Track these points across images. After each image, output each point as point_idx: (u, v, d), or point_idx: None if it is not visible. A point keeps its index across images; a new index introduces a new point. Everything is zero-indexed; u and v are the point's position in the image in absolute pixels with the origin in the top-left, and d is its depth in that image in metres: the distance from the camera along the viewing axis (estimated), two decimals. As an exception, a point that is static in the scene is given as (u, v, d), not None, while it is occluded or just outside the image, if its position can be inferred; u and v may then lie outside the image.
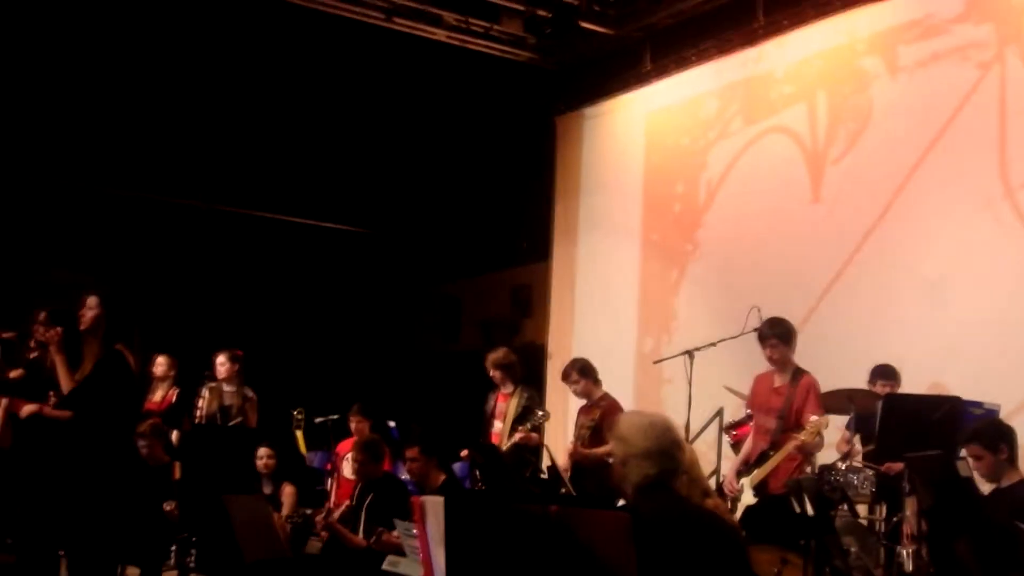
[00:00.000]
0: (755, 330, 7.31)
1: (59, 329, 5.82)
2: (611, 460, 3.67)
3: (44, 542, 6.14)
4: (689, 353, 7.47)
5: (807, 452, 6.29)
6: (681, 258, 9.47)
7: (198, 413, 8.86)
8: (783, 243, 8.53)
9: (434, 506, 4.55)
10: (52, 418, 5.91)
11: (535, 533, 2.97)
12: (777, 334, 6.45)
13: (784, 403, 6.39)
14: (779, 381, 6.53)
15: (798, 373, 6.48)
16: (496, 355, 8.32)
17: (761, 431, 6.53)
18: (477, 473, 7.93)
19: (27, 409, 6.14)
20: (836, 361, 7.35)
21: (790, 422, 6.35)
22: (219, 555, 6.83)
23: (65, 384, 5.75)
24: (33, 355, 6.46)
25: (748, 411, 7.39)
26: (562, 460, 7.75)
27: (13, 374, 6.36)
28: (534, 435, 8.05)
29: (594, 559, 2.99)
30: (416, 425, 8.07)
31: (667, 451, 3.53)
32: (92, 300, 5.85)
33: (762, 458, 6.35)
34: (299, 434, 9.87)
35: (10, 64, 11.06)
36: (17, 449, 6.26)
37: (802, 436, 6.10)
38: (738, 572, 3.57)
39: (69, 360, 5.79)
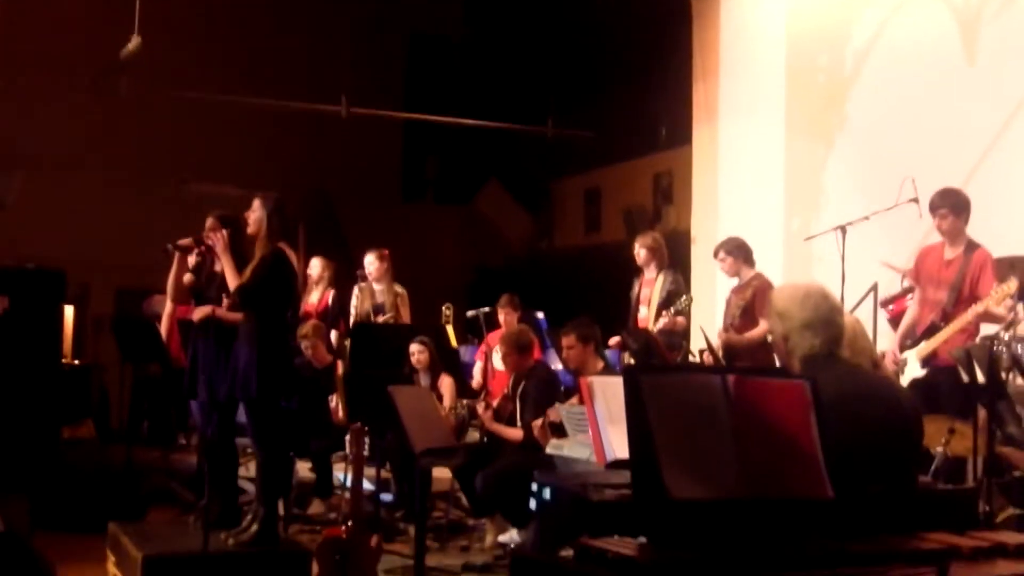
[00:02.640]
0: (911, 200, 7.17)
1: (225, 232, 6.00)
2: (770, 338, 3.64)
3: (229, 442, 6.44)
4: (842, 228, 7.34)
5: (994, 322, 6.12)
6: (828, 132, 9.24)
7: (353, 312, 9.13)
8: (937, 110, 8.24)
9: (602, 386, 4.63)
10: (225, 320, 6.10)
11: (716, 403, 2.98)
12: (949, 204, 6.28)
13: (957, 276, 6.24)
14: (951, 253, 6.36)
15: (972, 245, 6.32)
16: (644, 238, 8.38)
17: (930, 304, 6.40)
18: (628, 358, 7.99)
19: (200, 312, 6.37)
20: (996, 228, 7.10)
21: (963, 295, 6.21)
22: (389, 445, 7.09)
23: (232, 284, 5.92)
24: (198, 260, 6.67)
25: (905, 284, 7.27)
26: (715, 343, 7.76)
27: (186, 280, 6.57)
28: (679, 319, 8.07)
29: (775, 427, 3.00)
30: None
31: (828, 318, 3.47)
32: (255, 203, 5.99)
33: (931, 330, 6.24)
34: (449, 328, 10.06)
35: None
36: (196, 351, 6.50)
37: (987, 302, 5.95)
38: (914, 439, 3.56)
39: (237, 263, 5.96)
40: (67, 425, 10.99)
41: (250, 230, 5.98)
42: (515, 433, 7.06)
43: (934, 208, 6.34)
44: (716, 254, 7.93)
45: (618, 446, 4.33)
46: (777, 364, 7.21)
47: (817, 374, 3.27)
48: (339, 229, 14.06)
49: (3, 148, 12.79)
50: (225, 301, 6.07)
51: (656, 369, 4.52)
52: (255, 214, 5.94)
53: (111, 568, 6.10)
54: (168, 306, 8.22)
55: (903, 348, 6.42)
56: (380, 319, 8.96)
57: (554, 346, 8.84)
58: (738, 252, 7.81)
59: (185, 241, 6.50)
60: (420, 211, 16.01)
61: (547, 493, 3.79)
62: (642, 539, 2.77)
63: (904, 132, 8.42)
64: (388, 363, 7.85)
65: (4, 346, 10.58)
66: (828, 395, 3.14)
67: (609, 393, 4.43)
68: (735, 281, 7.92)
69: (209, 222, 6.29)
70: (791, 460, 2.97)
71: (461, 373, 8.97)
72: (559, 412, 6.29)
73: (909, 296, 7.04)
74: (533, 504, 3.99)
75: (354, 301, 9.18)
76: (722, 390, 2.95)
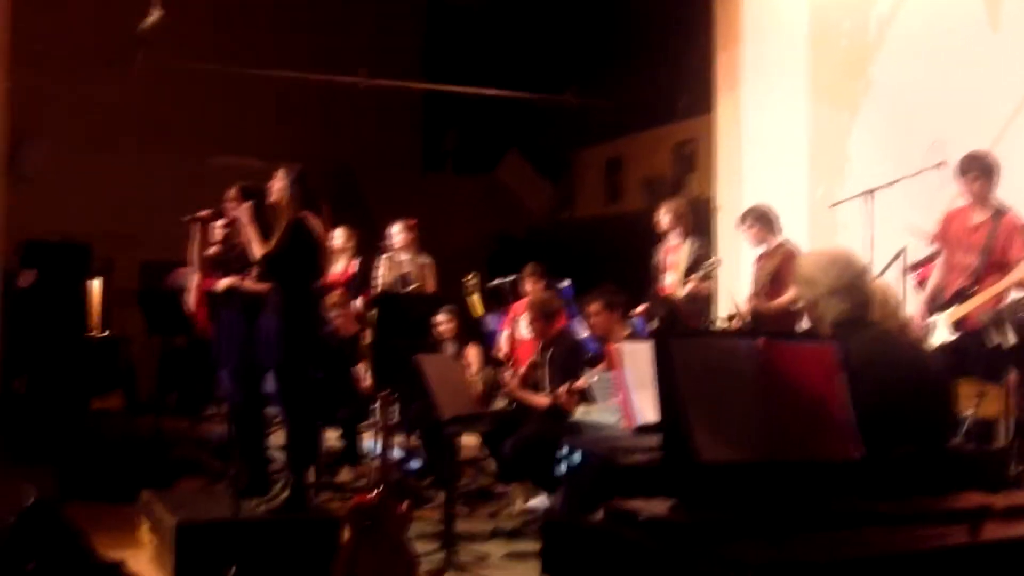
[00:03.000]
0: (938, 165, 7.13)
1: (249, 203, 6.00)
2: (800, 305, 3.65)
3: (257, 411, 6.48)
4: (868, 194, 7.32)
5: None
6: (852, 98, 9.18)
7: (378, 283, 9.15)
8: (962, 75, 8.17)
9: (630, 351, 4.66)
10: (250, 292, 6.13)
11: (745, 366, 2.99)
12: (978, 168, 6.25)
13: (986, 240, 6.21)
14: (979, 217, 6.33)
15: (1000, 210, 6.28)
16: (669, 203, 8.38)
17: (958, 268, 6.37)
18: (654, 325, 7.99)
19: (224, 282, 6.41)
20: (1022, 192, 7.08)
21: (993, 259, 6.19)
22: (416, 413, 7.14)
23: (257, 253, 5.93)
24: (225, 231, 6.73)
25: (933, 248, 7.24)
26: (742, 309, 7.75)
27: (210, 252, 6.63)
28: (705, 284, 8.06)
29: (804, 390, 3.01)
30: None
31: (854, 283, 3.49)
32: (278, 174, 5.99)
33: (961, 295, 6.22)
34: (474, 299, 10.07)
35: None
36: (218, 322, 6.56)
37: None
38: (943, 402, 3.57)
39: (260, 232, 5.96)
40: (96, 396, 11.12)
41: (272, 199, 5.99)
42: (542, 400, 7.10)
43: (963, 171, 6.31)
44: (740, 224, 7.90)
45: (646, 411, 4.36)
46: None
47: (846, 339, 3.28)
48: (361, 199, 14.09)
49: (26, 122, 12.84)
50: (254, 272, 6.08)
51: (685, 333, 4.54)
52: (278, 184, 5.95)
53: (144, 535, 6.17)
54: (195, 277, 8.27)
55: (930, 312, 6.41)
56: (406, 289, 8.97)
57: (580, 314, 8.85)
58: (763, 220, 7.78)
59: (204, 212, 6.55)
60: (441, 181, 16.01)
61: (576, 457, 3.82)
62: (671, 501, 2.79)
63: (929, 97, 8.37)
64: (413, 333, 7.88)
65: (33, 319, 10.72)
66: (857, 360, 3.15)
67: (637, 358, 4.45)
68: (760, 248, 7.90)
69: (231, 193, 6.31)
70: (820, 422, 2.99)
71: (486, 342, 8.99)
72: (586, 378, 6.32)
73: (936, 261, 7.02)
74: (562, 469, 4.03)
75: (380, 271, 9.19)
76: (751, 353, 2.97)
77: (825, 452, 2.95)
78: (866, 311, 3.50)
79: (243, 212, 5.99)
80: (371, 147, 14.95)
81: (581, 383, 6.46)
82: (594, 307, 6.81)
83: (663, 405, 2.94)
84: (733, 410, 2.92)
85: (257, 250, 5.92)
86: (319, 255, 6.07)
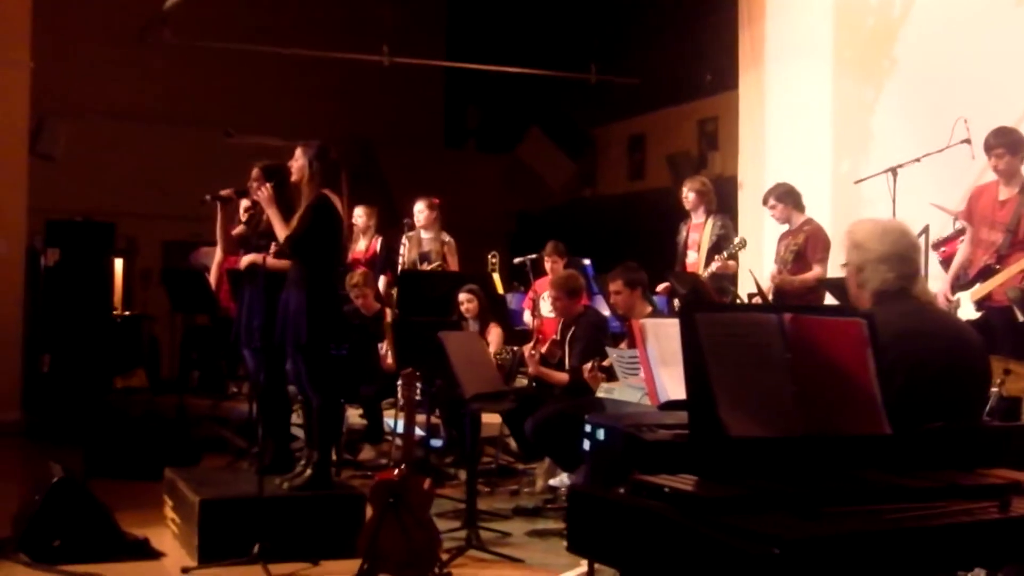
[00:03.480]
0: (963, 141, 7.07)
1: (270, 184, 5.96)
2: (845, 270, 3.62)
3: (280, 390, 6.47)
4: (892, 170, 7.25)
5: None
6: (877, 75, 9.10)
7: (401, 261, 9.14)
8: (987, 51, 8.09)
9: (654, 328, 4.61)
10: (272, 269, 6.11)
11: (772, 340, 2.97)
12: (1004, 143, 6.17)
13: (1012, 217, 6.14)
14: (1006, 193, 6.26)
15: None
16: (693, 181, 8.33)
17: (984, 245, 6.31)
18: (676, 304, 7.96)
19: (247, 259, 6.41)
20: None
21: (1019, 236, 6.12)
22: (437, 392, 7.13)
23: (281, 234, 5.89)
24: (249, 213, 6.72)
25: (957, 226, 7.19)
26: (764, 286, 7.71)
27: (235, 231, 6.63)
28: (732, 263, 8.02)
29: (832, 365, 2.98)
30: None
31: (905, 254, 3.44)
32: (298, 152, 5.94)
33: (986, 272, 6.17)
34: (495, 277, 10.05)
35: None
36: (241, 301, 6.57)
37: None
38: (980, 378, 3.53)
39: (283, 213, 5.92)
40: (119, 375, 11.18)
41: (294, 178, 5.94)
42: (561, 376, 7.08)
43: (989, 148, 6.24)
44: (766, 201, 7.84)
45: (671, 388, 4.32)
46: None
47: (885, 309, 3.25)
48: (382, 177, 14.08)
49: (50, 102, 12.90)
50: (272, 248, 6.05)
51: (712, 307, 4.50)
52: (298, 162, 5.90)
53: (168, 512, 6.20)
54: (218, 255, 8.29)
55: (954, 289, 6.36)
56: (426, 267, 8.97)
57: (601, 292, 8.83)
58: (788, 198, 7.73)
59: (226, 192, 6.53)
60: (462, 159, 15.99)
61: (600, 433, 3.79)
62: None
63: (955, 73, 8.29)
64: (435, 311, 7.89)
65: (56, 298, 10.78)
66: (892, 331, 3.12)
67: (661, 335, 4.41)
68: (784, 226, 7.85)
69: (254, 173, 6.29)
70: (848, 397, 2.96)
71: (508, 320, 8.98)
72: (609, 356, 6.29)
73: (960, 238, 6.96)
74: (586, 445, 4.00)
75: (402, 250, 9.19)
76: (778, 328, 2.94)
77: (854, 427, 2.93)
78: (911, 284, 3.45)
79: (264, 195, 5.95)
80: (392, 124, 14.95)
81: (608, 360, 6.43)
82: (615, 285, 6.77)
83: (690, 380, 2.91)
84: (760, 385, 2.90)
85: (280, 232, 5.87)
86: (341, 233, 6.03)
